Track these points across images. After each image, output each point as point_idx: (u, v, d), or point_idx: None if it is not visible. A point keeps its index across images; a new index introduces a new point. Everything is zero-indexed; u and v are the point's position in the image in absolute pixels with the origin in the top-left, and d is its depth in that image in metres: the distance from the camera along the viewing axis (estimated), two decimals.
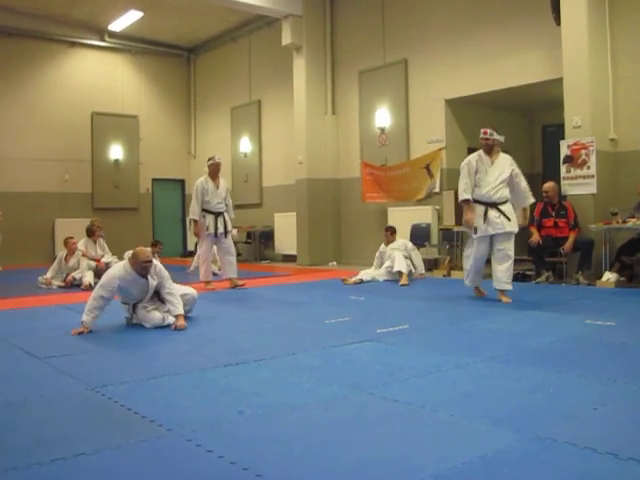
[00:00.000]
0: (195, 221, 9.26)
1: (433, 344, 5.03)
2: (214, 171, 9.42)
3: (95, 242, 10.56)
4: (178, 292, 6.38)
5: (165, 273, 6.27)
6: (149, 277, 6.09)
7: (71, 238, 10.24)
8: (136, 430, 3.06)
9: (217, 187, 9.36)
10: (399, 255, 9.79)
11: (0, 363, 4.70)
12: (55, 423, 3.22)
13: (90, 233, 10.62)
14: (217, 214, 9.30)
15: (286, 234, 15.12)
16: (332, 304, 7.61)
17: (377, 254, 10.42)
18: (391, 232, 10.32)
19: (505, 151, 13.85)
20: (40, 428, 3.14)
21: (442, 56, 11.88)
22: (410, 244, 10.41)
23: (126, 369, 4.37)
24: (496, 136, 7.44)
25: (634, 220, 8.42)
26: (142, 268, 6.02)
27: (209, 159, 9.56)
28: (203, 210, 9.26)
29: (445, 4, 11.85)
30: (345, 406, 3.41)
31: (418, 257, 10.32)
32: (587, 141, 9.03)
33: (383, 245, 10.37)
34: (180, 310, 6.18)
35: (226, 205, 9.46)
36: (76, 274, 9.91)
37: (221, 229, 9.28)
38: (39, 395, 3.74)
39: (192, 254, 13.19)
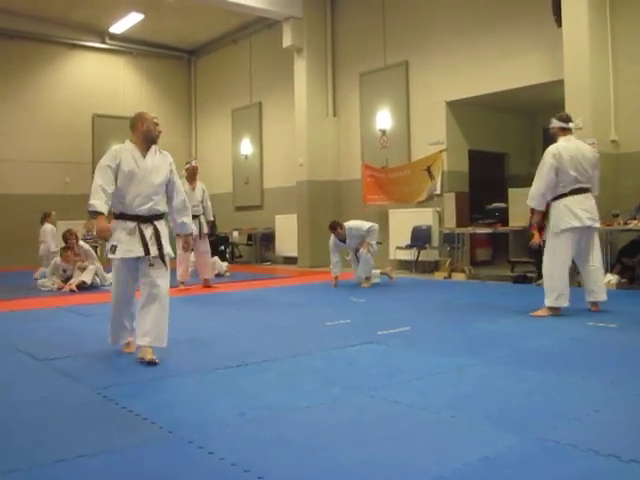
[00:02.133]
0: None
1: (434, 346, 5.02)
2: (191, 174, 9.80)
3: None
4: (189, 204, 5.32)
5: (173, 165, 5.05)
6: (148, 155, 4.88)
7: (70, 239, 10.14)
8: (137, 432, 3.05)
9: (193, 190, 9.70)
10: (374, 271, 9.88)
11: (1, 365, 4.70)
12: (57, 425, 3.22)
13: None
14: (192, 217, 9.41)
15: (287, 236, 15.12)
16: (333, 306, 7.60)
17: (336, 250, 9.80)
18: (340, 227, 9.66)
19: (505, 154, 13.97)
20: (42, 430, 3.14)
21: (443, 58, 11.89)
22: (365, 230, 9.66)
23: (127, 371, 4.37)
24: (555, 123, 6.61)
25: (635, 222, 8.41)
26: (153, 125, 4.95)
27: (186, 163, 10.03)
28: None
29: (446, 6, 11.85)
30: (347, 408, 3.40)
31: (374, 235, 9.71)
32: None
33: (335, 239, 9.70)
34: (189, 227, 5.27)
35: (204, 208, 9.85)
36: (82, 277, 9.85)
37: (196, 231, 9.22)
38: (40, 397, 3.74)
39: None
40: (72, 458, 2.69)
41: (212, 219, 10.21)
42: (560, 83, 9.42)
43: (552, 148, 6.43)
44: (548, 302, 6.30)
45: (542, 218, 6.52)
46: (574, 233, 6.30)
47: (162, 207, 4.94)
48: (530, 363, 4.31)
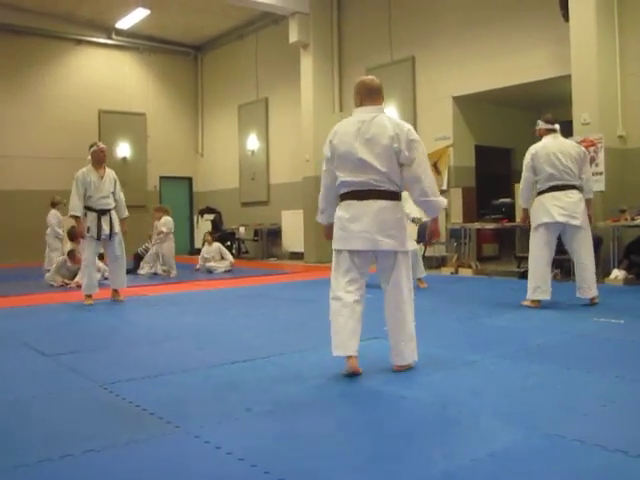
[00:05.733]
0: (77, 218, 7.64)
1: (440, 341, 5.01)
2: (97, 159, 7.82)
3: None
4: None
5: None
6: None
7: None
8: (145, 427, 3.06)
9: (101, 178, 7.77)
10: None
11: (8, 360, 4.72)
12: (64, 420, 3.23)
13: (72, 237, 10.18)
14: (100, 212, 7.70)
15: (293, 231, 15.11)
16: None
17: None
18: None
19: (512, 149, 13.90)
20: (49, 425, 3.15)
21: (449, 53, 11.85)
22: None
23: (134, 366, 4.38)
24: (540, 125, 6.73)
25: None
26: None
27: (91, 146, 7.97)
28: (85, 207, 7.69)
29: (452, 1, 11.81)
30: (353, 403, 3.41)
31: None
32: (595, 138, 8.99)
33: None
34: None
35: (116, 201, 7.95)
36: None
37: (106, 230, 7.69)
38: (47, 392, 3.75)
39: (199, 251, 13.21)
40: (80, 453, 2.69)
41: (126, 215, 8.13)
42: (567, 78, 9.39)
43: (531, 147, 6.68)
44: (528, 294, 6.59)
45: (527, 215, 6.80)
46: (547, 229, 6.50)
47: None
48: (537, 358, 4.30)
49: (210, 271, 11.73)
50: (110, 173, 7.92)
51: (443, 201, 4.04)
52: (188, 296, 8.62)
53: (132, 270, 10.37)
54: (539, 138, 6.71)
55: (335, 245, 4.13)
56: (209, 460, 2.62)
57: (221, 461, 2.61)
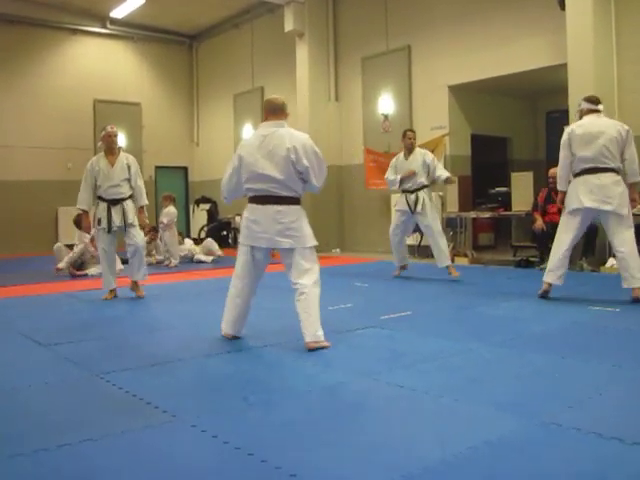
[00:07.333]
0: (84, 212, 7.24)
1: (437, 330, 5.02)
2: (107, 145, 7.30)
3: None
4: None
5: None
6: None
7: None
8: (141, 416, 3.06)
9: (112, 166, 7.18)
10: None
11: (5, 350, 4.72)
12: (60, 409, 3.23)
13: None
14: (111, 202, 7.11)
15: None
16: (335, 290, 7.58)
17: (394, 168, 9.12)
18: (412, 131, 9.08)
19: (508, 138, 13.88)
20: (45, 414, 3.15)
21: (445, 42, 11.80)
22: (431, 159, 8.79)
23: (130, 356, 4.38)
24: (583, 105, 6.30)
25: (638, 207, 8.36)
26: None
27: (102, 130, 7.53)
28: (97, 197, 7.19)
29: None
30: (349, 392, 3.41)
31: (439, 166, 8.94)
32: None
33: (402, 156, 9.03)
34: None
35: (132, 188, 7.26)
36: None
37: (117, 222, 7.06)
38: (44, 382, 3.75)
39: (195, 241, 13.20)
40: (76, 442, 2.70)
41: (146, 203, 7.41)
42: (563, 67, 9.36)
43: (568, 127, 6.33)
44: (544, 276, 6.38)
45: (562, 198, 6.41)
46: (577, 215, 6.19)
47: None
48: (533, 347, 4.31)
49: (200, 261, 11.75)
50: (123, 159, 7.29)
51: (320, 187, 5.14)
52: (186, 285, 8.61)
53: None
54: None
55: (240, 240, 4.85)
56: (205, 449, 2.63)
57: (217, 450, 2.61)
